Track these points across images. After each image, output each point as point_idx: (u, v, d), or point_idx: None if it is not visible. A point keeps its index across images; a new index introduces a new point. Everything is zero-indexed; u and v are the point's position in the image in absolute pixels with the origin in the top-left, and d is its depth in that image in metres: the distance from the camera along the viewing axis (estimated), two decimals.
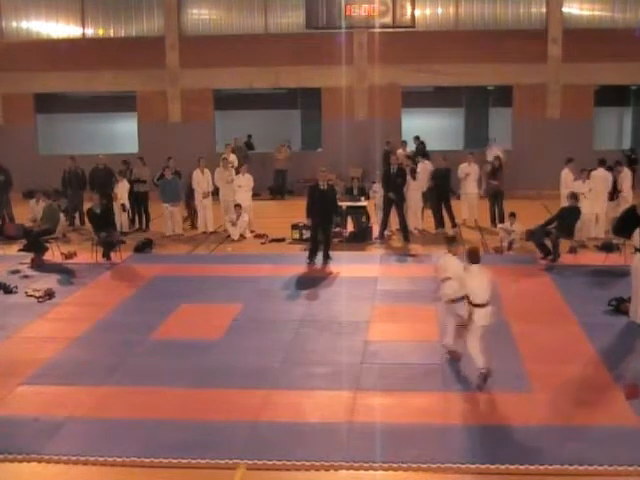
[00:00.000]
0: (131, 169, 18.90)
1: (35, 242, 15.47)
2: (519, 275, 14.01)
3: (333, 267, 14.79)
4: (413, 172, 17.88)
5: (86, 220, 18.34)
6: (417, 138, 23.00)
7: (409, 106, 24.08)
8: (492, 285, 9.20)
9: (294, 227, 17.39)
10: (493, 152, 21.10)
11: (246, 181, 18.13)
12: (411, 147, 22.69)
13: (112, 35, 24.29)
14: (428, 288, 13.12)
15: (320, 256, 15.13)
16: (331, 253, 15.30)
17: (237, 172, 18.70)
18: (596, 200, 16.64)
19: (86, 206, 17.90)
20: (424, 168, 18.41)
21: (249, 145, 24.96)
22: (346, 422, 8.12)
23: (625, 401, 8.37)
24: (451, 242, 10.47)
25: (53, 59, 23.66)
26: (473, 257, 9.16)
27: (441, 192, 17.88)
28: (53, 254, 15.58)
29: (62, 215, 17.23)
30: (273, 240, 17.12)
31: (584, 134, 22.86)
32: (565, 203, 15.61)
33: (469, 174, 18.57)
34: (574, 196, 15.24)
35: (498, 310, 11.81)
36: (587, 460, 7.19)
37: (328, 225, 15.38)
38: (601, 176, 16.83)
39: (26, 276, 14.37)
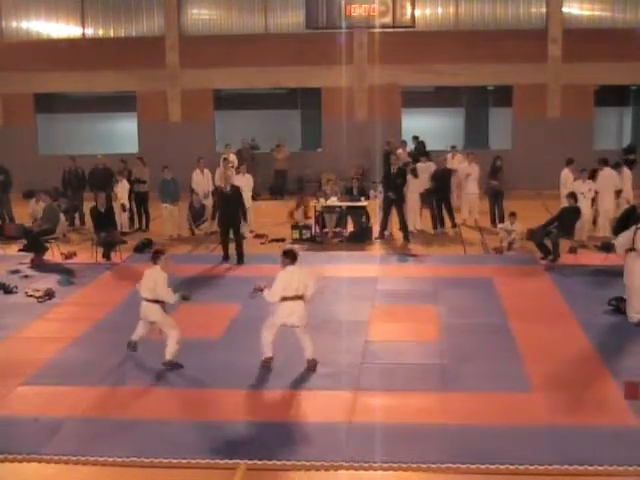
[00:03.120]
0: (130, 169, 18.90)
1: (35, 242, 15.47)
2: (519, 275, 14.02)
3: (335, 267, 14.79)
4: (414, 171, 17.88)
5: (86, 220, 18.38)
6: (416, 138, 22.97)
7: (409, 106, 24.07)
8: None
9: (294, 227, 17.42)
10: (457, 160, 19.98)
11: (246, 181, 18.10)
12: (411, 147, 22.68)
13: (112, 35, 24.28)
14: (428, 288, 13.20)
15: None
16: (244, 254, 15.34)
17: (237, 172, 18.69)
18: (602, 199, 16.67)
19: (86, 206, 17.92)
20: (426, 168, 18.39)
21: (253, 147, 24.96)
22: (346, 422, 8.12)
23: (625, 401, 8.36)
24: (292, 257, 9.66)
25: (53, 59, 23.64)
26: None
27: (441, 192, 17.89)
28: (53, 254, 15.58)
29: (62, 215, 17.23)
30: (273, 240, 17.12)
31: (584, 134, 22.86)
32: (565, 203, 15.62)
33: (470, 174, 18.58)
34: (573, 196, 15.27)
35: (498, 310, 11.89)
36: (587, 460, 7.19)
37: (235, 227, 15.36)
38: (608, 175, 16.85)
39: (26, 276, 14.35)
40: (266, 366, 9.60)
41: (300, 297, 9.41)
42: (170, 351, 9.68)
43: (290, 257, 9.55)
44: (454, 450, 7.45)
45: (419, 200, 18.02)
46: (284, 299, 9.35)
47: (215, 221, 15.79)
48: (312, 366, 9.59)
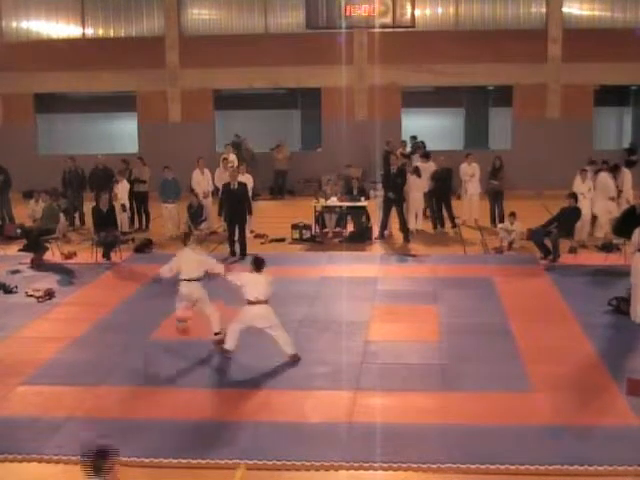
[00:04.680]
0: (131, 169, 18.91)
1: (35, 242, 15.47)
2: (519, 275, 14.02)
3: (335, 267, 14.80)
4: (417, 170, 17.85)
5: (86, 220, 18.37)
6: (414, 138, 22.96)
7: (409, 106, 24.07)
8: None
9: (294, 227, 17.41)
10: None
11: (246, 181, 18.10)
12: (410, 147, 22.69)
13: (112, 35, 24.28)
14: (428, 288, 13.20)
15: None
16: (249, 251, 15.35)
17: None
18: (598, 201, 16.69)
19: (86, 206, 17.91)
20: (426, 168, 18.38)
21: (237, 143, 24.96)
22: (346, 422, 8.11)
23: (625, 401, 8.37)
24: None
25: (53, 59, 23.63)
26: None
27: (442, 192, 17.88)
28: (53, 254, 15.58)
29: (62, 215, 17.23)
30: (273, 240, 17.12)
31: (584, 134, 22.85)
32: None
33: (474, 175, 18.57)
34: (573, 196, 15.27)
35: (498, 310, 11.90)
36: (587, 460, 7.18)
37: (241, 224, 15.52)
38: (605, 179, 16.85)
39: (26, 276, 14.36)
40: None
41: (194, 279, 10.26)
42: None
43: (187, 241, 10.72)
44: (454, 450, 7.44)
45: (423, 200, 18.03)
46: (182, 279, 10.31)
47: (221, 218, 15.83)
48: (219, 345, 10.08)
